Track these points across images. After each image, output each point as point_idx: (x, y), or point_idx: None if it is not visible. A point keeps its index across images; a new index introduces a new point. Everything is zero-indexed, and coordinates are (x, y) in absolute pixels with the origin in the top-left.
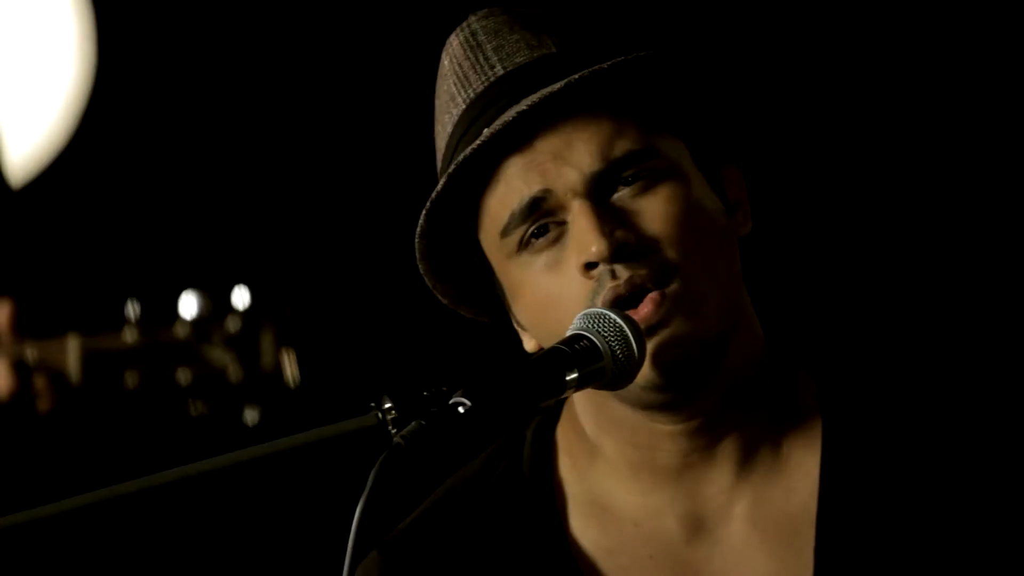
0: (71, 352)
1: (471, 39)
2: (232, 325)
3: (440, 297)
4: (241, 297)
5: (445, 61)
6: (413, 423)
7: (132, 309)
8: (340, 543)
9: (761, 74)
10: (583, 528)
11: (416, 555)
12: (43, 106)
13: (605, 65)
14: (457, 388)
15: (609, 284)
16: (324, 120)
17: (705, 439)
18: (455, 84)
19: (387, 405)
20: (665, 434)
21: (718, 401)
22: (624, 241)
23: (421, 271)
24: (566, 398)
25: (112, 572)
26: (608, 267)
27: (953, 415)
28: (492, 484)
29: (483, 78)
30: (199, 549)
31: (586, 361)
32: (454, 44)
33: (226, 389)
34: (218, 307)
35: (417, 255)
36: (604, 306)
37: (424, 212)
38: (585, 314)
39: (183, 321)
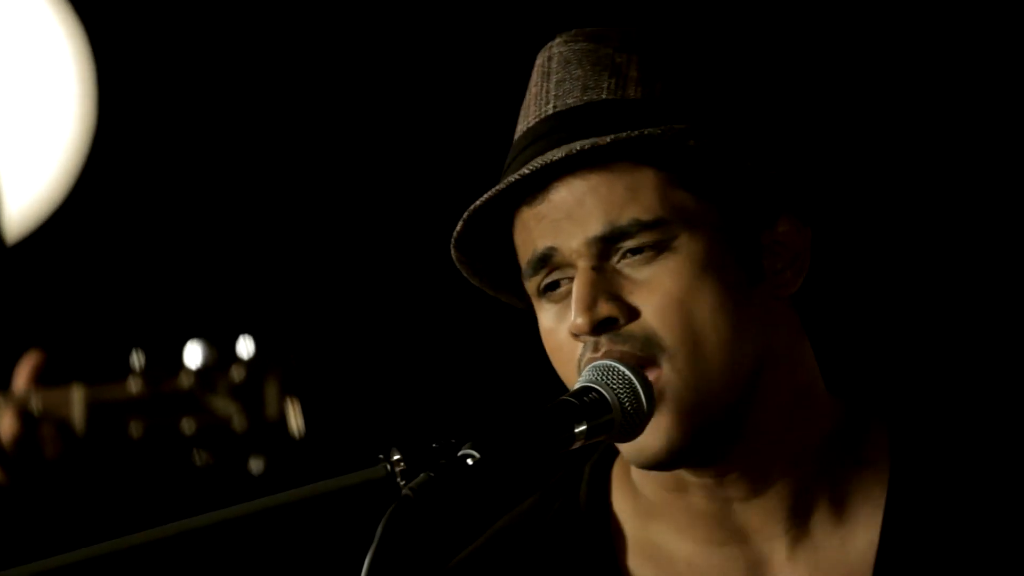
0: (75, 401)
1: (546, 65)
2: (236, 375)
3: (507, 301)
4: (246, 347)
5: (530, 79)
6: (422, 475)
7: (136, 359)
8: None
9: (821, 128)
10: (638, 565)
11: None
12: (42, 163)
13: (607, 139)
14: (466, 440)
15: (588, 355)
16: (324, 167)
17: (742, 490)
18: (523, 109)
19: (395, 457)
20: (694, 484)
21: (747, 457)
22: (608, 316)
23: (476, 285)
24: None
25: None
26: (592, 339)
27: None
28: (549, 519)
29: (537, 113)
30: None
31: (595, 413)
32: (536, 64)
33: (231, 439)
34: (222, 357)
35: (465, 275)
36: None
37: (452, 246)
38: (594, 366)
39: (187, 371)
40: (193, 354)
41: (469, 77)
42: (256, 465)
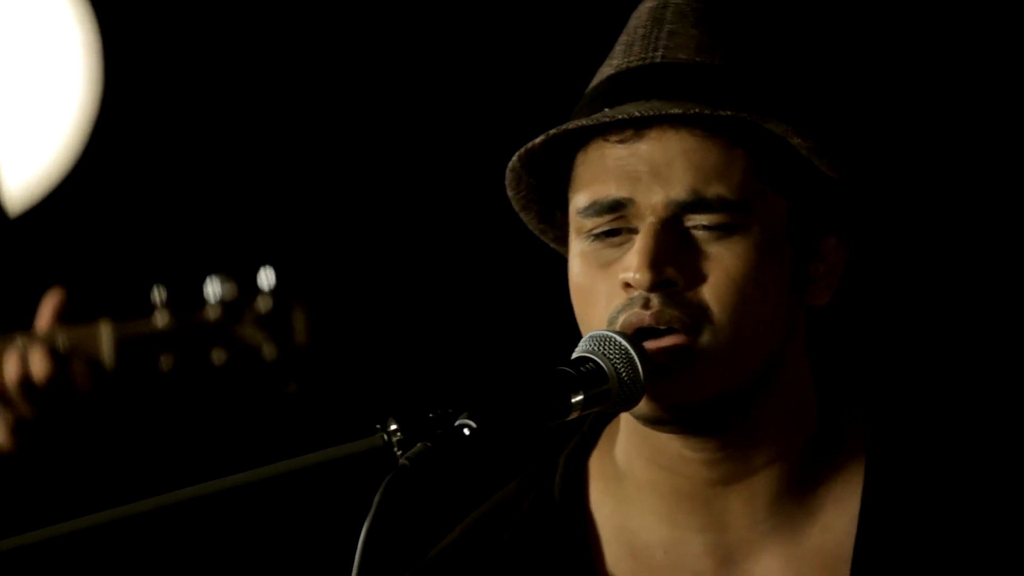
0: (103, 337)
1: (659, 11)
2: (262, 305)
3: (546, 240)
4: (267, 278)
5: (633, 15)
6: (418, 445)
7: (159, 294)
8: (345, 565)
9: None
10: (614, 557)
11: None
12: (45, 134)
13: (728, 113)
14: (462, 410)
15: (637, 309)
16: (341, 105)
17: (731, 474)
18: (623, 43)
19: (392, 427)
20: (688, 459)
21: (745, 442)
22: (670, 279)
23: (519, 213)
24: (601, 424)
25: None
26: (645, 294)
27: (999, 471)
28: (524, 511)
29: (643, 56)
30: (204, 571)
31: (591, 383)
32: (646, 6)
33: (262, 367)
34: (245, 289)
35: (506, 183)
36: (624, 326)
37: (517, 155)
38: (591, 337)
39: (213, 304)
40: (215, 288)
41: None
42: (290, 390)
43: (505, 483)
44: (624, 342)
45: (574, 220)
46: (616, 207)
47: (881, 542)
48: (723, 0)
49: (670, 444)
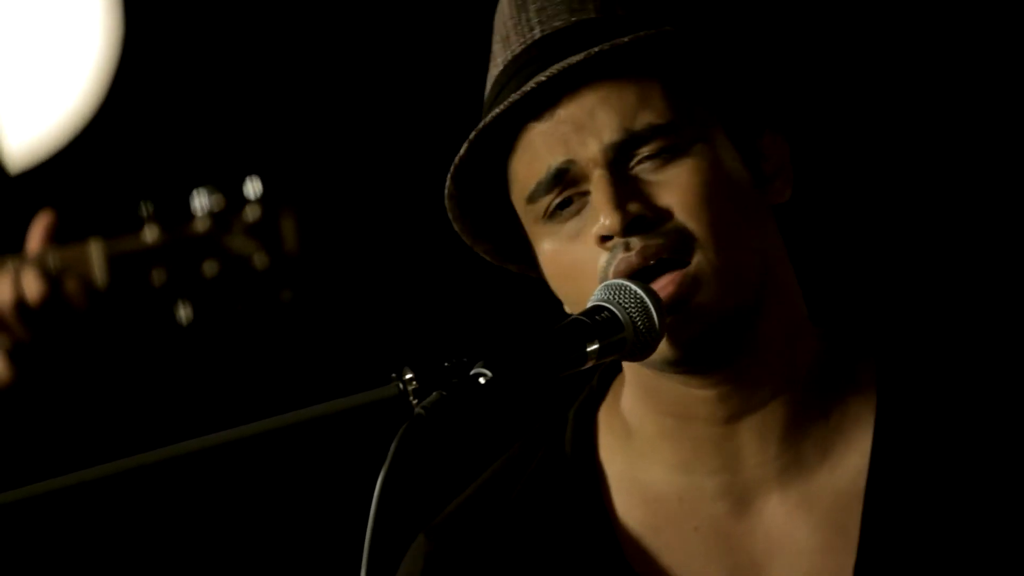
0: (94, 255)
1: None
2: (251, 214)
3: (481, 254)
4: (253, 187)
5: (496, 17)
6: (434, 394)
7: (146, 209)
8: (361, 514)
9: (805, 37)
10: (626, 507)
11: (462, 538)
12: (50, 96)
13: (626, 39)
14: (478, 359)
15: (621, 255)
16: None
17: (739, 405)
18: (499, 42)
19: (408, 376)
20: (700, 399)
21: (748, 369)
22: (638, 214)
23: (456, 230)
24: (610, 377)
25: (130, 543)
26: (622, 240)
27: (1013, 402)
28: (535, 466)
29: (521, 40)
30: (219, 521)
31: (607, 332)
32: (503, 1)
33: (254, 277)
34: (232, 200)
35: (449, 215)
36: (616, 276)
37: (449, 175)
38: (605, 285)
39: (201, 216)
40: (202, 200)
41: None
42: (285, 297)
43: (517, 437)
44: (638, 290)
45: (527, 213)
46: (559, 176)
47: (893, 478)
48: None
49: (678, 389)
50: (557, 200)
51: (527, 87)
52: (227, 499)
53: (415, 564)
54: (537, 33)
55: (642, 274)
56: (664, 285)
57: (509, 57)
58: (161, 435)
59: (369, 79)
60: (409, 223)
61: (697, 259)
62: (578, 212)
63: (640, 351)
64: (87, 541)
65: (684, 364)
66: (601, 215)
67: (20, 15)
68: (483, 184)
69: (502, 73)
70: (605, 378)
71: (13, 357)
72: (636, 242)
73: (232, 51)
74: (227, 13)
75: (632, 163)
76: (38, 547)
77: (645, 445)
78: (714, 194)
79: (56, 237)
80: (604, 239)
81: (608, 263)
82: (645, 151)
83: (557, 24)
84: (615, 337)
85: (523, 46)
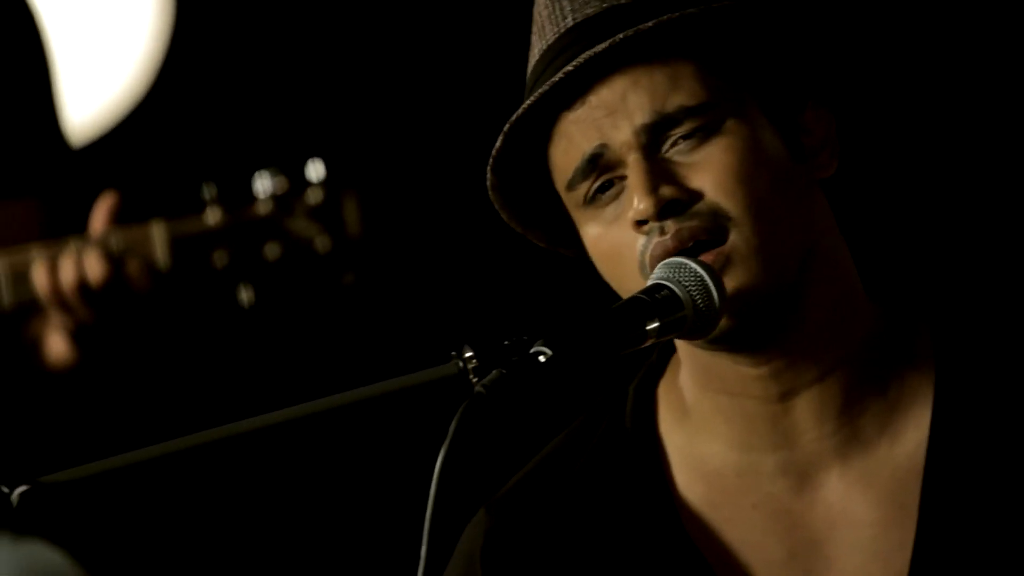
0: (157, 237)
1: None
2: (313, 197)
3: (534, 242)
4: (315, 170)
5: (534, 7)
6: (494, 372)
7: (208, 191)
8: (421, 493)
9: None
10: (686, 482)
11: (522, 514)
12: (111, 70)
13: (649, 24)
14: (538, 337)
15: (656, 239)
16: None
17: (792, 382)
18: (536, 33)
19: (468, 354)
20: (750, 377)
21: (798, 344)
22: (672, 198)
23: (504, 219)
24: (669, 353)
25: (196, 517)
26: (657, 223)
27: None
28: (595, 441)
29: (555, 28)
30: (282, 498)
31: (667, 310)
32: None
33: (316, 260)
34: (295, 183)
35: (496, 206)
36: (653, 261)
37: (488, 167)
38: (665, 263)
39: (264, 198)
40: (265, 182)
41: None
42: (346, 280)
43: (576, 414)
44: (698, 268)
45: (569, 200)
46: (594, 161)
47: (953, 452)
48: None
49: (730, 367)
50: (595, 185)
51: (556, 78)
52: (290, 477)
53: (475, 539)
54: (570, 21)
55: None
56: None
57: (544, 47)
58: (222, 415)
59: (432, 61)
60: (471, 202)
61: (733, 238)
62: (617, 196)
63: (700, 329)
64: (153, 519)
65: (725, 342)
66: (635, 199)
67: None
68: (527, 174)
69: (538, 62)
70: (664, 353)
71: (75, 338)
72: (671, 225)
73: (298, 33)
74: None
75: (666, 145)
76: (99, 525)
77: (702, 421)
78: (749, 172)
79: (119, 218)
80: (639, 223)
81: (644, 247)
82: (678, 132)
83: (589, 11)
84: (675, 315)
85: (556, 35)
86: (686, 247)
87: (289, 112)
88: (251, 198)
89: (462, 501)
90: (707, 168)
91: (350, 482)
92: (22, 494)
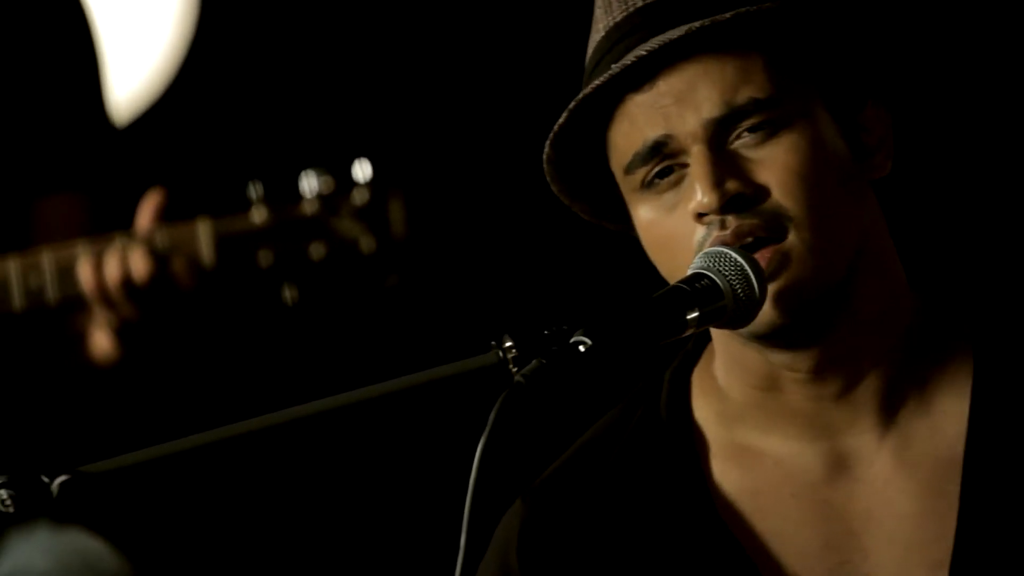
0: (202, 235)
1: None
2: (359, 197)
3: (578, 213)
4: (362, 170)
5: None
6: (534, 362)
7: (255, 190)
8: (461, 482)
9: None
10: (723, 470)
11: (558, 503)
12: (149, 45)
13: (728, 15)
14: (578, 327)
15: (716, 233)
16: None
17: (836, 384)
18: (600, 8)
19: (508, 344)
20: (789, 379)
21: (844, 346)
22: (736, 192)
23: (554, 191)
24: (705, 340)
25: (236, 506)
26: (719, 217)
27: None
28: (631, 429)
29: (623, 7)
30: (321, 487)
31: (707, 300)
32: None
33: (360, 260)
34: (341, 182)
35: (547, 177)
36: None
37: (548, 141)
38: (706, 253)
39: (310, 198)
40: (311, 182)
41: None
42: (390, 282)
43: (614, 404)
44: (739, 257)
45: (625, 182)
46: (656, 148)
47: (993, 443)
48: None
49: (770, 366)
50: (656, 169)
51: (627, 60)
52: (328, 467)
53: (511, 528)
54: (639, 1)
55: None
56: (757, 256)
57: (611, 24)
58: (260, 412)
59: (480, 65)
60: (511, 192)
61: (791, 237)
62: (676, 184)
63: (740, 319)
64: (193, 509)
65: (772, 339)
66: (699, 192)
67: None
68: (581, 149)
69: (604, 39)
70: (700, 341)
71: (120, 335)
72: (732, 220)
73: (345, 34)
74: None
75: (731, 138)
76: (138, 514)
77: (739, 411)
78: (813, 172)
79: (165, 216)
80: (700, 215)
81: (703, 240)
82: (745, 126)
83: None
84: (715, 305)
85: (624, 14)
86: (745, 243)
87: (336, 111)
88: (297, 197)
89: (502, 491)
90: (772, 166)
91: (392, 471)
92: (62, 483)
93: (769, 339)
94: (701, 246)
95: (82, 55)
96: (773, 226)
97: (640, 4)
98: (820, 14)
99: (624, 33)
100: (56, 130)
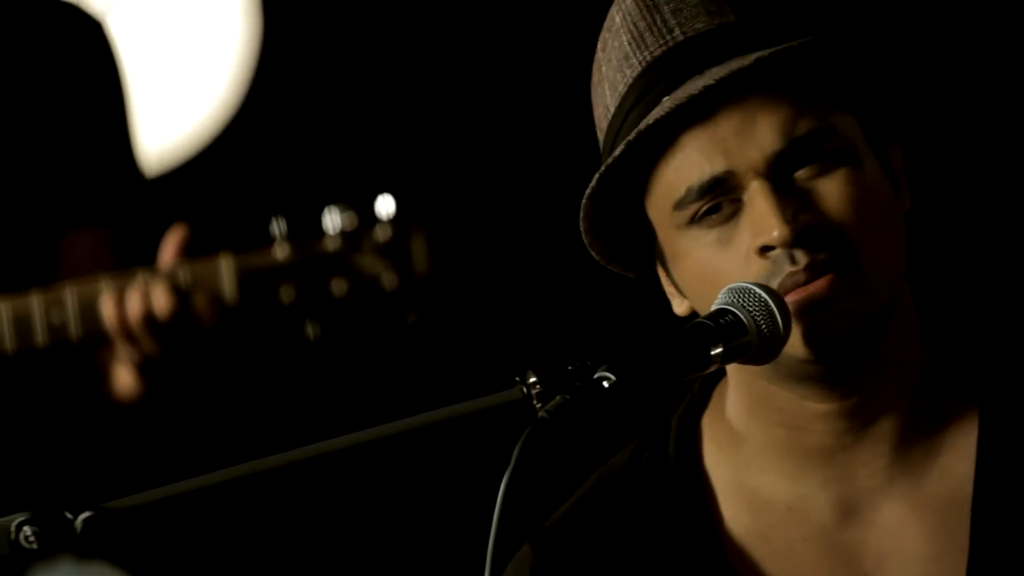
0: (224, 271)
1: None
2: (381, 234)
3: (593, 253)
4: (385, 206)
5: (616, 17)
6: (557, 397)
7: (278, 226)
8: (485, 518)
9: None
10: (733, 514)
11: (567, 548)
12: (184, 103)
13: (794, 44)
14: (601, 362)
15: (788, 268)
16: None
17: (860, 420)
18: (629, 44)
19: (531, 379)
20: (817, 415)
21: (874, 380)
22: (808, 224)
23: (581, 228)
24: (711, 384)
25: (258, 542)
26: (787, 251)
27: None
28: (639, 473)
29: (661, 42)
30: (346, 524)
31: (731, 336)
32: (626, 3)
33: (382, 297)
34: (364, 218)
35: (580, 214)
36: (783, 291)
37: (598, 176)
38: (729, 289)
39: (332, 234)
40: (334, 218)
41: None
42: (412, 319)
43: (621, 446)
44: (763, 293)
45: (671, 219)
46: (715, 184)
47: (1001, 484)
48: None
49: (794, 401)
50: (707, 206)
51: (692, 89)
52: (353, 502)
53: (520, 574)
54: (679, 35)
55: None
56: (819, 283)
57: (648, 59)
58: (286, 443)
59: (499, 102)
60: (534, 228)
61: (858, 272)
62: (727, 219)
63: (764, 355)
64: (215, 545)
65: (819, 363)
66: (767, 226)
67: (162, 25)
68: (620, 186)
69: (642, 76)
70: (707, 385)
71: (142, 371)
72: (801, 256)
73: (367, 70)
74: (363, 32)
75: (791, 172)
76: (161, 551)
77: (752, 453)
78: (870, 204)
79: (188, 251)
80: (765, 249)
81: (771, 275)
82: (804, 160)
83: (699, 27)
84: (740, 340)
85: (664, 48)
86: (819, 282)
87: (360, 147)
88: (320, 233)
89: (526, 527)
90: (834, 199)
91: (416, 507)
92: (86, 520)
93: (812, 363)
94: (768, 284)
95: (108, 90)
96: (842, 262)
97: (680, 38)
98: (863, 49)
99: (668, 68)
100: (82, 165)
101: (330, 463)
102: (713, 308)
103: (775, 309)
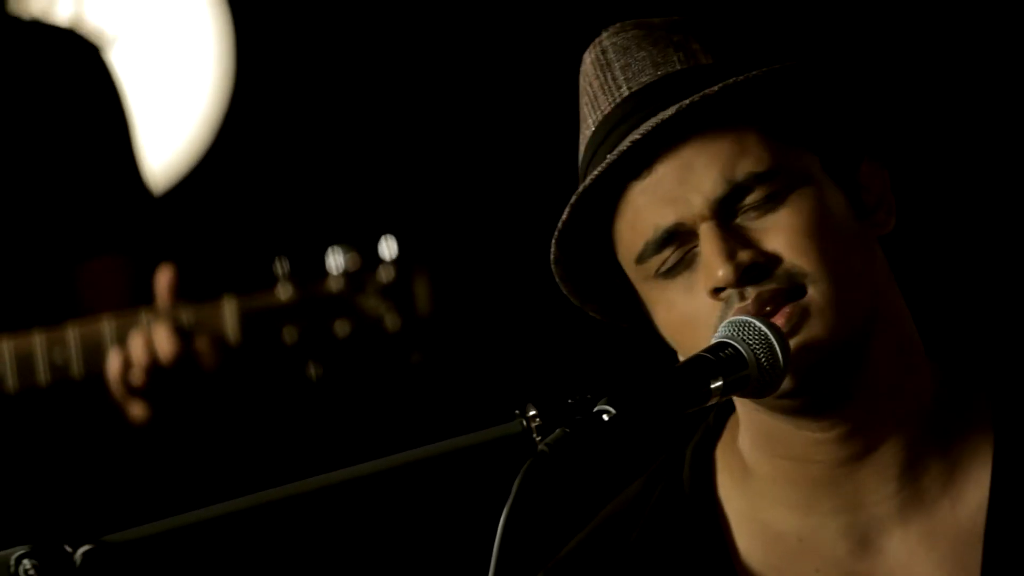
0: (228, 313)
1: (601, 57)
2: (384, 275)
3: (591, 314)
4: (388, 247)
5: (581, 80)
6: (557, 431)
7: (281, 267)
8: (485, 551)
9: (902, 66)
10: (746, 546)
11: None
12: (183, 116)
13: (716, 88)
14: (602, 396)
15: (737, 304)
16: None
17: (858, 445)
18: (587, 104)
19: (531, 413)
20: (816, 443)
21: (864, 405)
22: (751, 262)
23: (564, 292)
24: (726, 414)
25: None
26: (736, 289)
27: None
28: (653, 505)
29: (610, 99)
30: (347, 557)
31: (731, 369)
32: (587, 62)
33: (385, 338)
34: (367, 259)
35: (556, 279)
36: None
37: (554, 240)
38: (730, 322)
39: (335, 275)
40: (337, 259)
41: None
42: (414, 360)
43: (636, 476)
44: (763, 326)
45: (636, 272)
46: (669, 237)
47: (1015, 513)
48: (651, 24)
49: (794, 433)
50: (672, 262)
51: (623, 146)
52: (351, 536)
53: None
54: (625, 91)
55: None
56: (776, 318)
57: (600, 118)
58: (285, 484)
59: (501, 144)
60: (535, 270)
61: (810, 292)
62: (689, 265)
63: (764, 387)
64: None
65: (792, 403)
66: (712, 267)
67: (158, 48)
68: (587, 246)
69: (595, 134)
70: (722, 415)
71: (144, 409)
72: (750, 291)
73: (371, 112)
74: (369, 74)
75: (737, 211)
76: None
77: (763, 485)
78: (820, 231)
79: (191, 292)
80: (717, 291)
81: (723, 315)
82: (749, 200)
83: (644, 79)
84: (739, 374)
85: (612, 105)
86: (766, 311)
87: (363, 188)
88: (323, 274)
89: (526, 560)
90: (780, 231)
91: (417, 540)
92: (85, 553)
93: (790, 404)
94: (722, 321)
95: (109, 122)
96: (791, 287)
97: (626, 93)
98: (808, 79)
99: (615, 123)
100: (96, 195)
101: (331, 496)
102: (713, 341)
103: (775, 342)
